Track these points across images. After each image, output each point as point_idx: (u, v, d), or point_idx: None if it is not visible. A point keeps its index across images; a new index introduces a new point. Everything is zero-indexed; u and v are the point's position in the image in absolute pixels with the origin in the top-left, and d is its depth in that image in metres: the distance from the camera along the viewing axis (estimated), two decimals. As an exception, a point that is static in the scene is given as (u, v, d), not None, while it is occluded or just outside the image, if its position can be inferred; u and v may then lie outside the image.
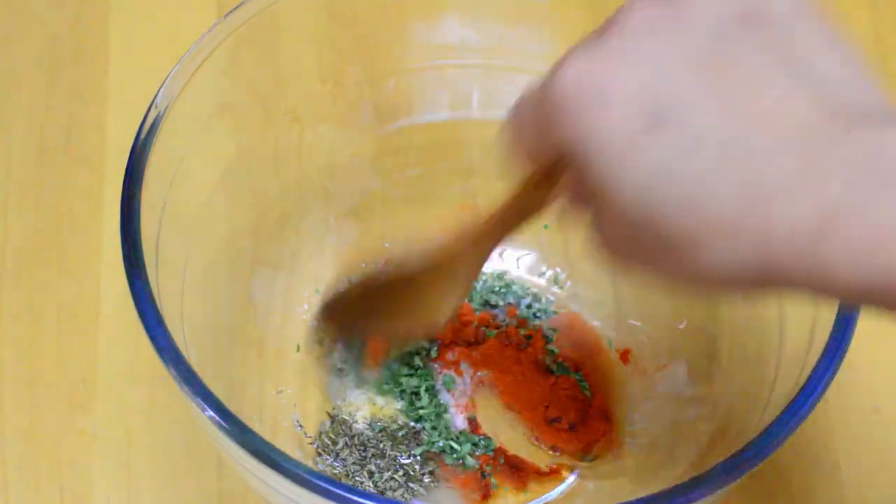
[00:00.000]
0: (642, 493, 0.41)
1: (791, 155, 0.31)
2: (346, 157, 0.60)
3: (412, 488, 0.54)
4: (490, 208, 0.44)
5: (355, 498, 0.39)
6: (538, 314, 0.60)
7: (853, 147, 0.31)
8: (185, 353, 0.43)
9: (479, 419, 0.57)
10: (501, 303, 0.60)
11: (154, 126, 0.48)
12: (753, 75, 0.33)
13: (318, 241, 0.60)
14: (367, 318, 0.52)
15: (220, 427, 0.41)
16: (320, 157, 0.60)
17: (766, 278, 0.33)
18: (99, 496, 0.56)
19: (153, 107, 0.48)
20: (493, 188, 0.61)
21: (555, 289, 0.61)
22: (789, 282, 0.32)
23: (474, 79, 0.60)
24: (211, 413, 0.41)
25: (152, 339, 0.43)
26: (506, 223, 0.44)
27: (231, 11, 0.52)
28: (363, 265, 0.54)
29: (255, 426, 0.42)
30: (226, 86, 0.53)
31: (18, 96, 0.67)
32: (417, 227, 0.62)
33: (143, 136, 0.47)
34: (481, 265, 0.47)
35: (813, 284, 0.32)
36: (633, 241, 0.35)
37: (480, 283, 0.61)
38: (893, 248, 0.30)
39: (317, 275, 0.60)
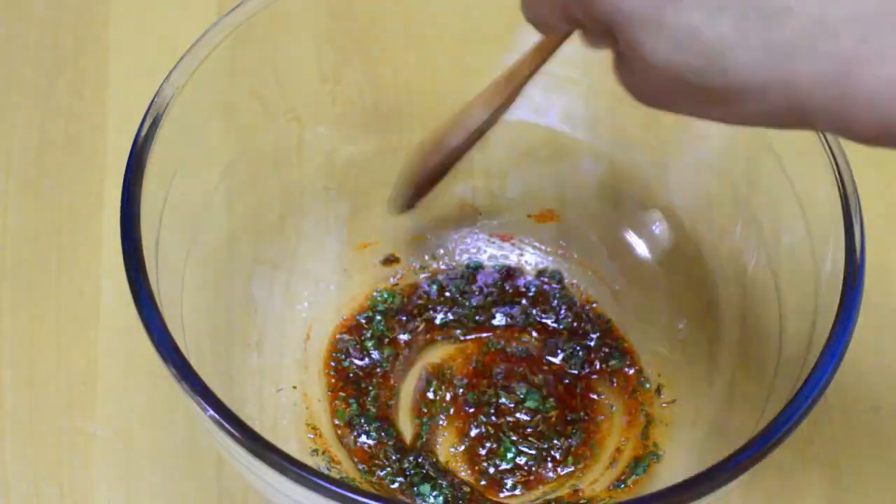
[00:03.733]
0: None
1: (806, 15, 0.34)
2: (346, 157, 0.60)
3: None
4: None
5: (354, 496, 0.39)
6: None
7: (864, 4, 0.34)
8: (184, 353, 0.43)
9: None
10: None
11: (154, 126, 0.48)
12: None
13: (318, 240, 0.60)
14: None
15: (220, 426, 0.41)
16: (320, 157, 0.60)
17: (797, 120, 0.36)
18: (99, 496, 0.57)
19: (153, 106, 0.48)
20: (493, 188, 0.62)
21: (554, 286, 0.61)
22: (816, 125, 0.36)
23: (474, 79, 0.60)
24: (211, 412, 0.41)
25: (152, 338, 0.43)
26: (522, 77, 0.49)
27: (231, 11, 0.52)
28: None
29: (255, 425, 0.42)
30: (226, 85, 0.53)
31: (18, 96, 0.67)
32: (417, 226, 0.62)
33: (143, 135, 0.47)
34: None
35: (838, 129, 0.35)
36: (672, 91, 0.37)
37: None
38: None
39: (317, 274, 0.60)
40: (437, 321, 0.60)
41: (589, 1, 0.37)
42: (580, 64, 0.57)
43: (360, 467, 0.56)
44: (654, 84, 0.38)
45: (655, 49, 0.36)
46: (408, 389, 0.59)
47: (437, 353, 0.60)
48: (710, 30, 0.35)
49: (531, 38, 0.48)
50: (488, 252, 0.62)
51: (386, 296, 0.60)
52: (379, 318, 0.60)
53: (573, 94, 0.58)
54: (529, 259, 0.62)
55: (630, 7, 0.36)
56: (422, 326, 0.60)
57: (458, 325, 0.60)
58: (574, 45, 0.53)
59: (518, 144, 0.61)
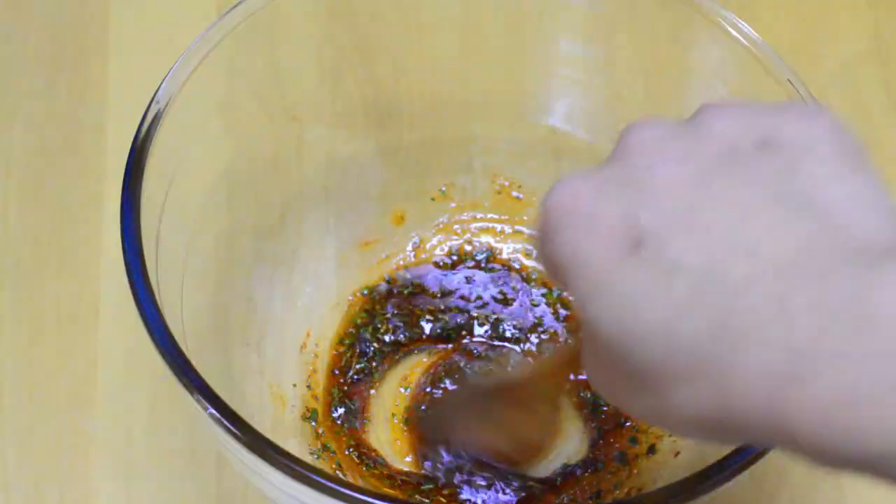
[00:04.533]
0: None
1: (763, 293, 0.30)
2: (346, 157, 0.60)
3: None
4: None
5: (354, 494, 0.39)
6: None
7: (832, 289, 0.29)
8: (185, 352, 0.43)
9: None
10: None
11: (154, 125, 0.48)
12: (746, 205, 0.31)
13: (318, 241, 0.60)
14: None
15: (221, 424, 0.41)
16: (320, 157, 0.60)
17: (727, 426, 0.31)
18: (99, 496, 0.56)
19: (153, 105, 0.48)
20: (493, 190, 0.62)
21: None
22: (752, 434, 0.30)
23: (474, 79, 0.60)
24: (211, 410, 0.41)
25: (152, 337, 0.43)
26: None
27: (230, 10, 0.52)
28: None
29: (255, 423, 0.42)
30: (225, 85, 0.53)
31: (18, 97, 0.67)
32: (417, 227, 0.62)
33: (142, 134, 0.47)
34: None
35: (775, 439, 0.30)
36: (612, 369, 0.34)
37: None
38: (865, 413, 0.28)
39: (317, 274, 0.60)
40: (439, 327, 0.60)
41: (549, 238, 0.34)
42: (580, 64, 0.57)
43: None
44: (603, 363, 0.35)
45: (599, 312, 0.32)
46: (407, 390, 0.59)
47: (438, 355, 0.60)
48: (659, 294, 0.31)
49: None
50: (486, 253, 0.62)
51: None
52: (378, 319, 0.60)
53: (573, 94, 0.58)
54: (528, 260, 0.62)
55: (583, 257, 0.33)
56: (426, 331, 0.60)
57: (458, 328, 0.60)
58: (574, 44, 0.53)
59: (518, 144, 0.61)
